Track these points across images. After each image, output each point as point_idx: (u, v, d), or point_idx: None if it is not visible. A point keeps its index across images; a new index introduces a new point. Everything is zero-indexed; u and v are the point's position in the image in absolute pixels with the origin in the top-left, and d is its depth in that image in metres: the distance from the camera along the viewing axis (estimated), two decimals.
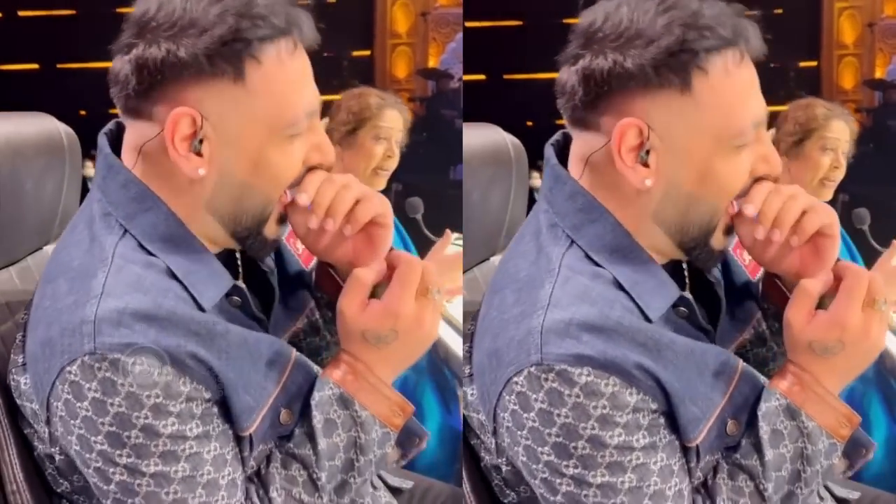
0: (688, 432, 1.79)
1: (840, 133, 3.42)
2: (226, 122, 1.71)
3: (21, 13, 4.88)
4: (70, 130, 2.40)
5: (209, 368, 1.74)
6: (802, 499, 1.85)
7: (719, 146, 1.73)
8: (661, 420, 1.78)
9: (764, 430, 1.82)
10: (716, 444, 1.85)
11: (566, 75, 1.76)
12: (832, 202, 3.93)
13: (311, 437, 1.83)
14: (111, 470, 1.75)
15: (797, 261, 1.80)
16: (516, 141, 2.89)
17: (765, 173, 1.78)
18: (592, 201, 1.79)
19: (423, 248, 3.66)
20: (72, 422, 1.76)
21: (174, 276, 1.77)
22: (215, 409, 1.78)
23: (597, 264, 1.79)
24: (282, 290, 1.92)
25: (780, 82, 4.98)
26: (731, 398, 1.82)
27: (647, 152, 1.72)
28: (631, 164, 1.74)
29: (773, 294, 1.91)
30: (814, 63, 5.20)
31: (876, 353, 1.83)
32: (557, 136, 1.90)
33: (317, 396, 1.83)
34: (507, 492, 1.96)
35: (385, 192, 3.61)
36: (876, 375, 3.43)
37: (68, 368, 1.73)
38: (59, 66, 4.96)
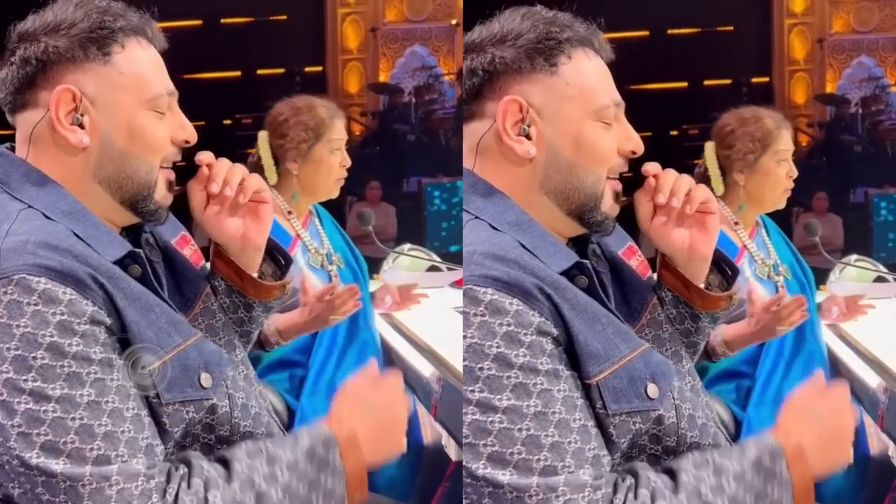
0: (588, 366, 1.89)
1: (789, 143, 3.41)
2: (101, 97, 1.95)
3: None
4: None
5: (109, 296, 1.86)
6: None
7: (586, 117, 1.96)
8: (562, 354, 1.88)
9: (751, 451, 1.92)
10: (630, 400, 1.91)
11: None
12: (787, 215, 3.94)
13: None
14: (16, 400, 1.79)
15: (687, 236, 2.02)
16: None
17: (632, 149, 2.00)
18: (490, 186, 1.99)
19: (375, 258, 3.65)
20: None
21: (77, 237, 1.91)
22: (117, 344, 1.87)
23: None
24: (176, 282, 2.08)
25: (733, 98, 5.00)
26: (644, 358, 1.93)
27: (529, 126, 1.96)
28: (515, 136, 1.96)
29: (668, 278, 2.07)
30: (766, 79, 5.22)
31: None
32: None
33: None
34: None
35: (339, 204, 3.59)
36: None
37: None
38: None
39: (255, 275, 2.10)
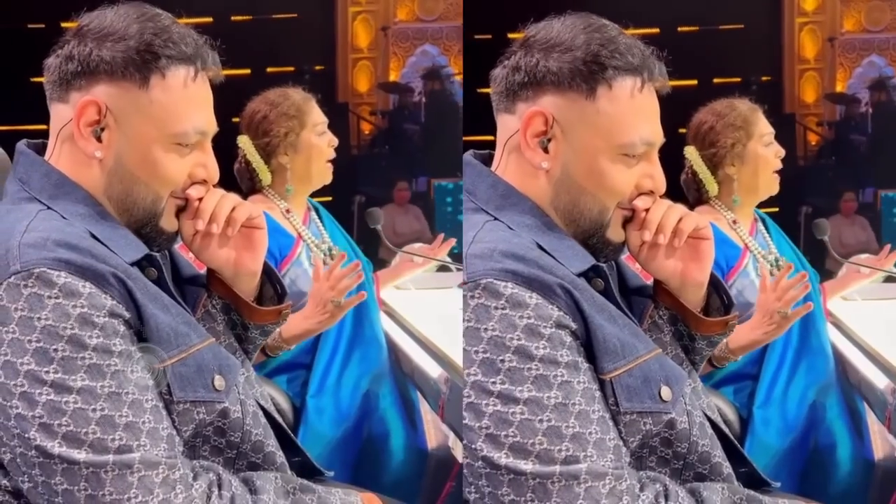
0: (603, 362, 1.92)
1: (768, 125, 3.40)
2: (125, 117, 1.96)
3: None
4: None
5: (129, 291, 1.88)
6: None
7: (608, 150, 1.98)
8: (581, 347, 1.92)
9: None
10: (643, 400, 1.93)
11: (499, 70, 2.02)
12: (795, 214, 3.93)
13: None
14: (37, 391, 1.82)
15: (679, 264, 2.03)
16: None
17: (651, 189, 2.03)
18: (511, 188, 2.02)
19: (384, 257, 3.64)
20: None
21: (94, 238, 1.93)
22: (135, 338, 1.90)
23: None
24: (180, 286, 2.09)
25: (742, 96, 5.00)
26: (659, 361, 1.95)
27: (549, 140, 1.98)
28: (533, 146, 1.99)
29: (664, 300, 2.08)
30: (776, 78, 5.20)
31: None
32: (471, 152, 2.12)
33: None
34: None
35: (348, 204, 3.59)
36: (839, 391, 3.41)
37: None
38: None
39: (251, 300, 2.10)
